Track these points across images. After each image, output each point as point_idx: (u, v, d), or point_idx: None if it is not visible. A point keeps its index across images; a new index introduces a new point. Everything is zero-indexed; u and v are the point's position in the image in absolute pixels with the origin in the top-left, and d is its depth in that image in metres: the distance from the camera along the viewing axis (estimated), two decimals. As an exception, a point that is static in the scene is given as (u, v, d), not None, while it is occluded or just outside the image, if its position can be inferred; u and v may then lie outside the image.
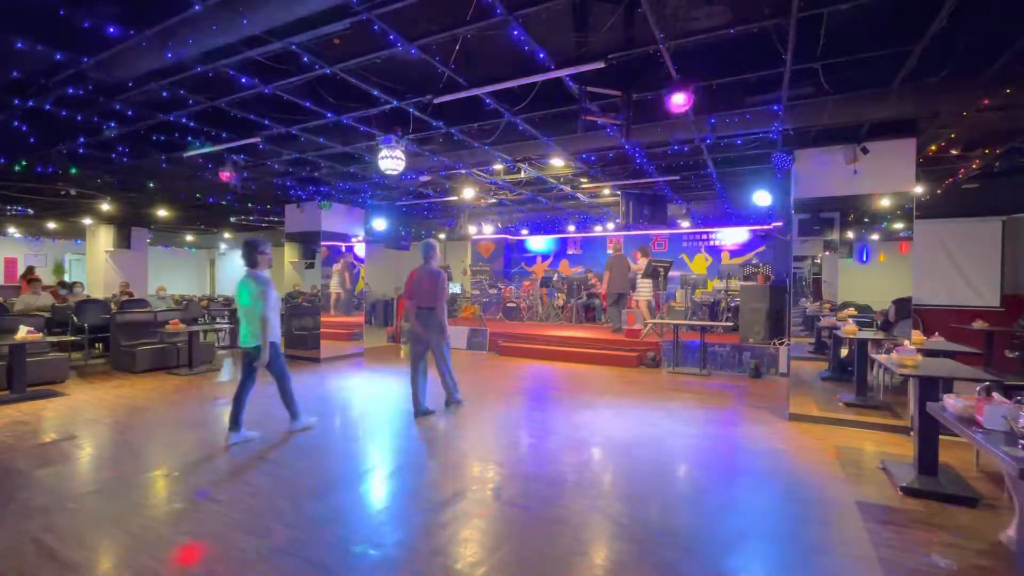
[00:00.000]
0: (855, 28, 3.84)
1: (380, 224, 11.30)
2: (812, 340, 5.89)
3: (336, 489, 3.56)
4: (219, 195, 9.50)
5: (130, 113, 5.30)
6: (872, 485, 3.63)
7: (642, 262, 9.60)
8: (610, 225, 13.02)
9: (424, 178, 8.29)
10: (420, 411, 5.34)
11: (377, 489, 3.63)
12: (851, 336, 5.33)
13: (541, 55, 3.91)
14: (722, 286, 10.93)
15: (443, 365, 5.48)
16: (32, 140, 6.11)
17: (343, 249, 9.87)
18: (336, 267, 9.67)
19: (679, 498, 3.51)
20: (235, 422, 4.50)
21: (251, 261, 4.51)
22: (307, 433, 4.83)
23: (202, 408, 5.71)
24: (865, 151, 5.11)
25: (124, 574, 2.50)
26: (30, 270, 10.70)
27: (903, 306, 5.34)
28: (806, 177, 5.48)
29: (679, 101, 4.20)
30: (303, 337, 9.45)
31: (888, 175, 5.12)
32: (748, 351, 7.96)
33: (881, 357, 4.15)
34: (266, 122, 5.52)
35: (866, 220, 5.80)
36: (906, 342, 4.24)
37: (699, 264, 13.46)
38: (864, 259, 8.77)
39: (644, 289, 9.68)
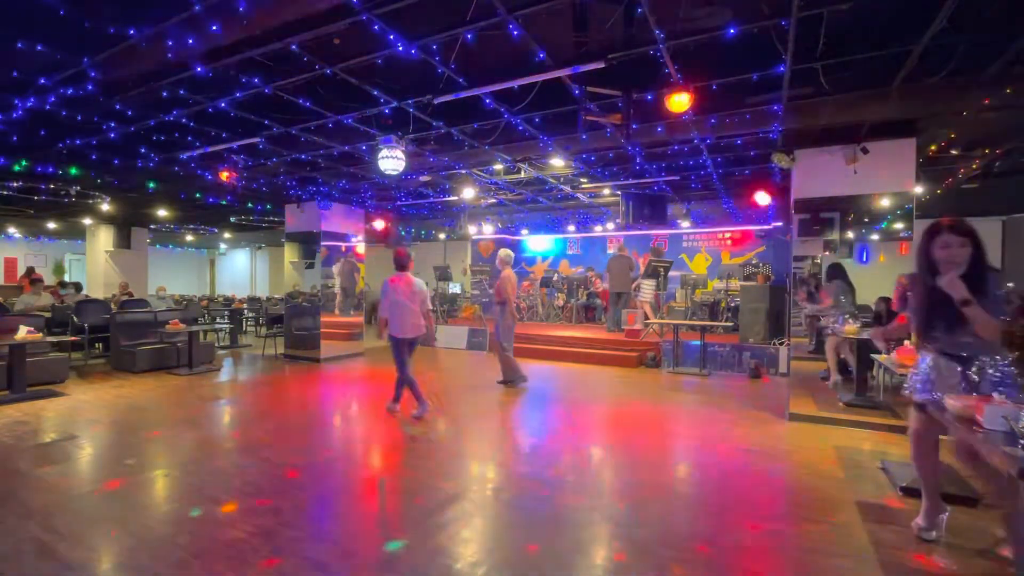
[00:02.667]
0: (855, 28, 3.84)
1: (380, 224, 11.30)
2: (812, 340, 5.89)
3: (336, 488, 3.56)
4: (219, 195, 9.50)
5: (130, 113, 5.30)
6: (872, 485, 3.63)
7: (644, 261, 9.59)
8: (610, 225, 13.02)
9: (424, 178, 8.30)
10: (518, 379, 6.75)
11: (377, 488, 3.62)
12: (851, 336, 5.33)
13: (541, 55, 3.91)
14: (722, 286, 10.94)
15: (502, 351, 6.66)
16: (32, 140, 6.11)
17: (343, 249, 9.87)
18: (336, 267, 9.65)
19: (679, 498, 3.51)
20: (417, 397, 5.38)
21: (403, 266, 5.41)
22: (308, 433, 4.83)
23: (202, 408, 5.71)
24: (865, 151, 5.11)
25: (124, 574, 2.50)
26: (31, 270, 10.70)
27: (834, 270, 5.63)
28: (806, 177, 5.48)
29: (679, 102, 4.20)
30: (303, 337, 9.45)
31: (888, 175, 5.12)
32: (748, 351, 7.96)
33: (881, 357, 4.15)
34: (266, 122, 5.52)
35: (866, 220, 5.79)
36: (906, 342, 4.24)
37: (699, 264, 13.47)
38: (864, 260, 8.75)
39: (647, 290, 9.65)
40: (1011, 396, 2.41)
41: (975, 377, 2.56)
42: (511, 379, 6.78)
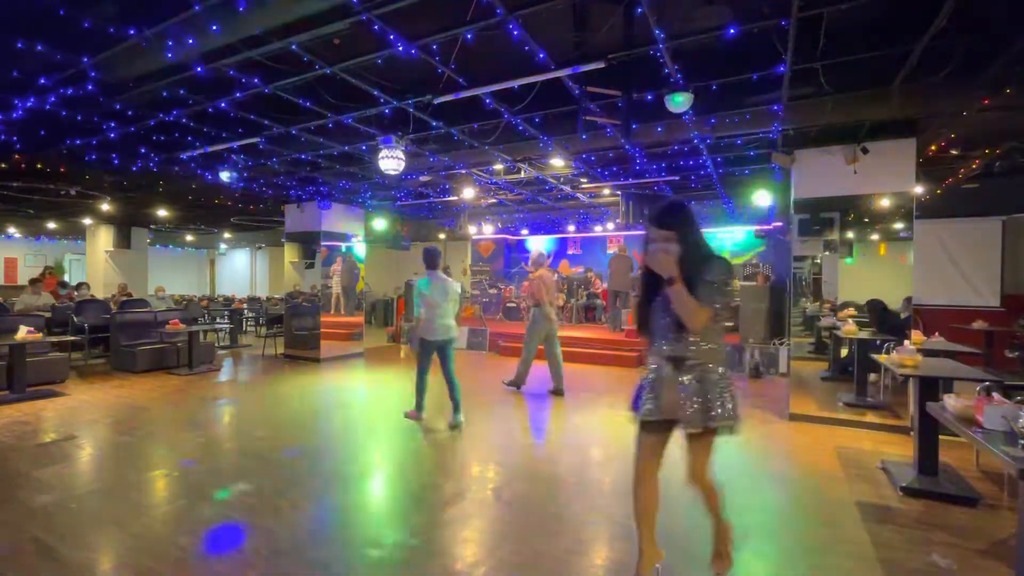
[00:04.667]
0: (855, 28, 3.84)
1: (380, 224, 11.30)
2: (812, 340, 5.89)
3: (336, 489, 3.56)
4: (219, 195, 9.49)
5: (130, 113, 5.30)
6: (872, 485, 3.63)
7: None
8: (610, 225, 13.02)
9: (424, 178, 8.30)
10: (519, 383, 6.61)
11: (377, 489, 3.63)
12: (851, 336, 5.33)
13: (541, 55, 3.91)
14: (722, 286, 10.90)
15: (523, 354, 6.57)
16: (32, 140, 6.11)
17: (343, 249, 9.87)
18: (335, 267, 9.65)
19: (679, 498, 3.50)
20: (418, 402, 5.21)
21: (435, 264, 5.09)
22: (307, 433, 4.83)
23: (202, 408, 5.71)
24: (865, 151, 5.11)
25: (124, 574, 2.50)
26: (47, 270, 10.69)
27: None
28: (806, 177, 5.48)
29: (679, 102, 4.20)
30: (303, 337, 9.45)
31: (888, 175, 5.11)
32: (748, 351, 7.96)
33: (882, 357, 4.15)
34: (266, 122, 5.52)
35: (866, 220, 5.79)
36: (906, 342, 4.24)
37: (699, 264, 13.43)
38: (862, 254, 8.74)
39: None
40: (723, 416, 2.16)
41: (695, 384, 2.17)
42: (518, 382, 6.58)
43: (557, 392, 6.35)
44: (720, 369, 2.19)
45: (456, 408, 5.01)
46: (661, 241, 2.15)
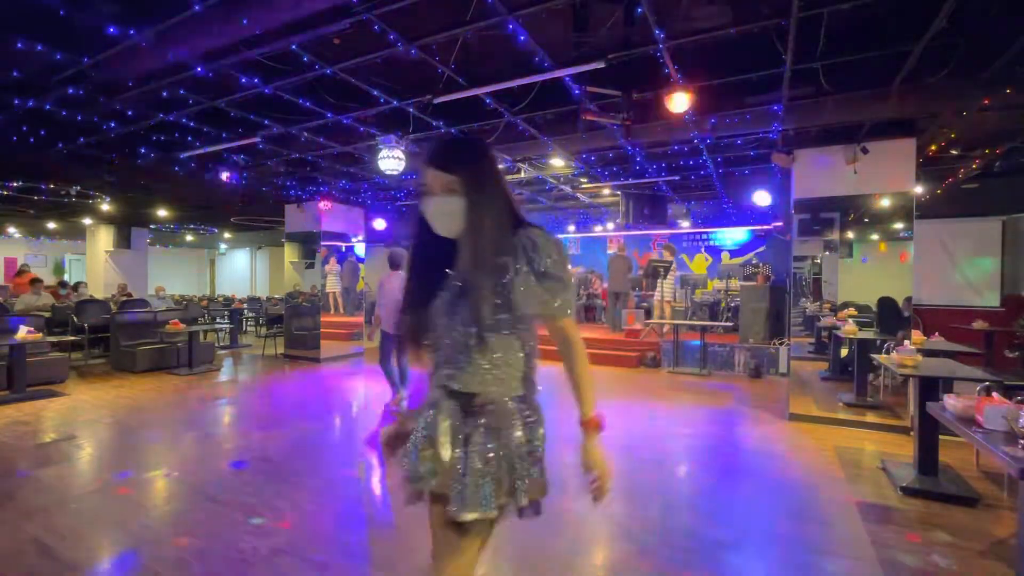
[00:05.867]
0: (855, 28, 3.84)
1: (380, 224, 11.29)
2: (812, 340, 5.89)
3: (336, 488, 3.56)
4: (219, 195, 9.49)
5: (130, 113, 5.30)
6: (872, 485, 3.63)
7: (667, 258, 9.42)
8: (610, 225, 13.03)
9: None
10: None
11: (376, 489, 3.62)
12: (851, 336, 5.33)
13: (541, 55, 3.91)
14: (722, 286, 10.93)
15: None
16: (32, 140, 6.11)
17: (343, 249, 9.87)
18: (328, 267, 9.64)
19: (679, 498, 3.51)
20: (392, 385, 5.51)
21: (398, 266, 5.48)
22: (307, 433, 4.83)
23: (202, 408, 5.71)
24: (865, 151, 5.11)
25: (124, 574, 2.50)
26: (23, 270, 10.70)
27: None
28: (806, 177, 5.48)
29: (679, 102, 4.21)
30: (303, 337, 9.45)
31: (888, 175, 5.11)
32: (748, 351, 7.96)
33: (881, 357, 4.15)
34: (266, 122, 5.52)
35: (866, 220, 5.80)
36: (906, 342, 4.23)
37: (699, 264, 13.46)
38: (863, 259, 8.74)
39: (667, 290, 9.44)
40: (524, 487, 1.39)
41: (487, 437, 1.32)
42: None
43: None
44: (523, 406, 1.38)
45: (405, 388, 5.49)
46: (441, 191, 1.31)
